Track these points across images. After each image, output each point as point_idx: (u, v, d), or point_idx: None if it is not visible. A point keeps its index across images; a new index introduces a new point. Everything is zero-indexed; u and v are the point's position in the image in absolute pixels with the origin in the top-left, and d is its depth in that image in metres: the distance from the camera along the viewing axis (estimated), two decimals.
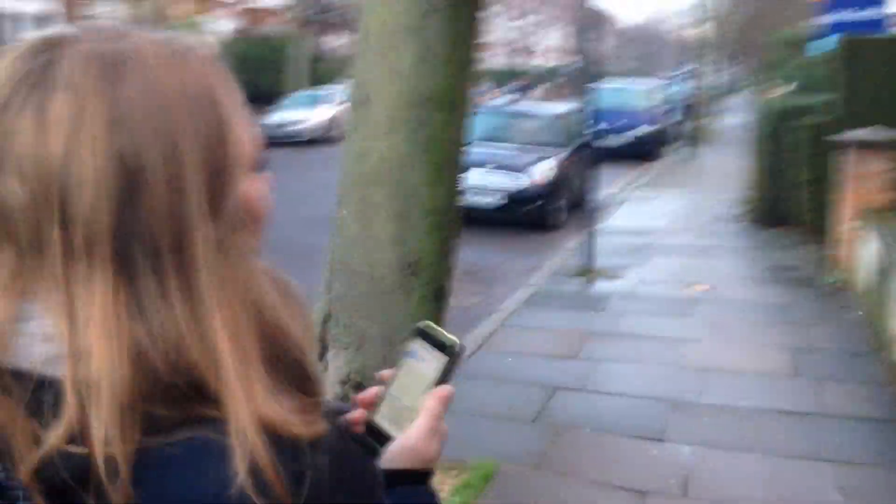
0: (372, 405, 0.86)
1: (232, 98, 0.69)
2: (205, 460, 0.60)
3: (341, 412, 0.84)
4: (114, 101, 0.61)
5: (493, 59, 65.27)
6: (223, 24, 31.44)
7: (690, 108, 20.57)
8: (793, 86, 12.92)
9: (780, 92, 15.63)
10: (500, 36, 67.67)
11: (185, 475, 0.60)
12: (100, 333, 0.60)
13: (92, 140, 0.60)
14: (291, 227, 9.10)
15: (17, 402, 0.60)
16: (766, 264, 8.13)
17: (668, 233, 9.94)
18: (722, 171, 16.57)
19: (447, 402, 0.84)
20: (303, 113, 22.16)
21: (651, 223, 10.60)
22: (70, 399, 0.59)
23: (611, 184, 14.71)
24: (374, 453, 0.83)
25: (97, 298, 0.61)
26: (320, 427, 0.67)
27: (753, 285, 7.39)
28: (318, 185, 12.92)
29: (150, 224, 0.62)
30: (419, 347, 0.85)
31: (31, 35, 0.65)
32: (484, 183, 10.24)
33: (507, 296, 7.18)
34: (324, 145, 21.39)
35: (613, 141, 19.14)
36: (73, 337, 0.60)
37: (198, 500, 0.59)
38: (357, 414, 0.86)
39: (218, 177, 0.65)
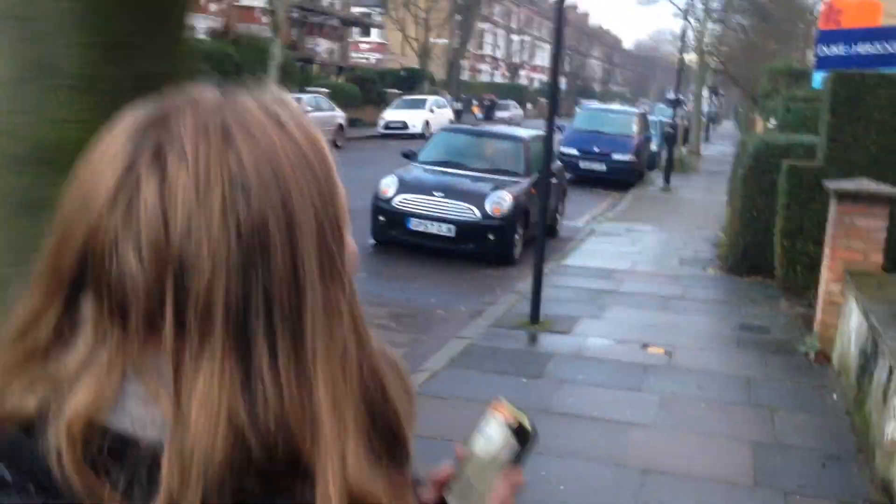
0: (445, 482, 0.84)
1: (331, 157, 0.68)
2: None
3: (416, 484, 0.81)
4: (232, 171, 0.61)
5: (485, 74, 64.75)
6: (196, 21, 30.45)
7: (672, 137, 19.81)
8: (772, 122, 12.14)
9: (762, 127, 14.90)
10: (491, 51, 67.15)
11: None
12: (202, 407, 0.59)
13: (214, 211, 0.60)
14: None
15: (116, 469, 0.59)
16: (734, 322, 7.24)
17: (631, 276, 9.05)
18: (698, 206, 15.78)
19: (516, 489, 0.83)
20: None
21: (615, 263, 9.71)
22: (168, 470, 0.58)
23: (579, 215, 13.90)
24: None
25: (204, 373, 0.60)
26: (412, 501, 0.70)
27: (717, 350, 6.50)
28: None
29: (267, 293, 0.61)
30: (493, 428, 0.83)
31: (133, 110, 0.65)
32: (433, 211, 9.32)
33: (435, 349, 6.25)
34: None
35: (587, 167, 18.36)
36: (177, 410, 0.59)
37: None
38: (429, 492, 0.84)
39: (329, 239, 0.65)
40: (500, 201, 9.39)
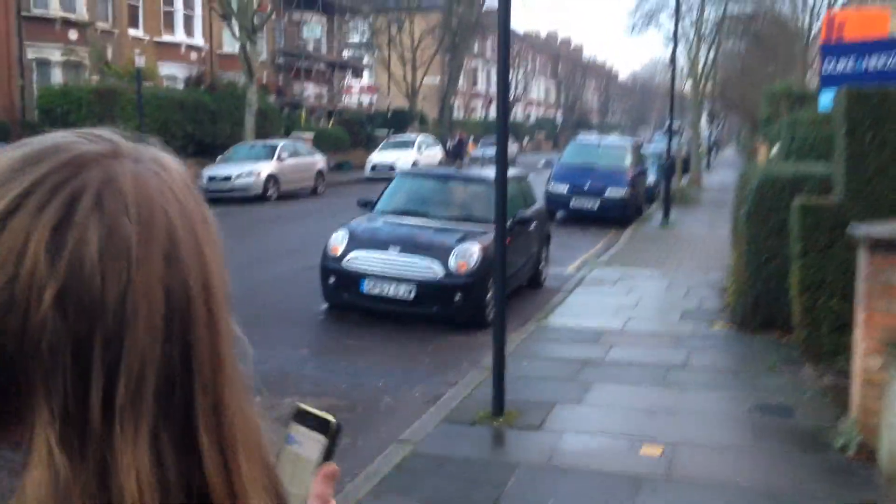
0: None
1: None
2: None
3: None
4: (170, 236, 0.59)
5: (480, 111, 63.91)
6: (177, 71, 29.53)
7: (670, 169, 18.55)
8: (775, 148, 10.85)
9: (765, 154, 13.59)
10: (484, 88, 66.37)
11: None
12: (138, 487, 0.56)
13: (154, 275, 0.57)
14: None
15: None
16: (749, 401, 5.85)
17: (623, 339, 7.68)
18: (701, 243, 14.43)
19: (333, 482, 0.81)
20: (247, 167, 19.96)
21: (605, 321, 8.35)
22: None
23: (570, 259, 12.57)
24: None
25: (135, 450, 0.56)
26: None
27: (729, 446, 5.09)
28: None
29: (190, 361, 0.59)
30: (298, 432, 0.82)
31: (49, 149, 0.61)
32: (389, 270, 8.01)
33: (369, 458, 4.88)
34: (257, 204, 19.18)
35: (579, 205, 17.09)
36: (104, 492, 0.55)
37: None
38: None
39: (228, 303, 0.64)
40: (467, 255, 8.07)
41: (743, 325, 7.76)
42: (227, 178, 19.61)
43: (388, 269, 7.98)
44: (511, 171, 10.36)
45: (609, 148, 18.68)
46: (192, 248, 0.61)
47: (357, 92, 50.98)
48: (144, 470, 0.56)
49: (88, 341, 0.55)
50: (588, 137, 21.89)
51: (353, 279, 8.09)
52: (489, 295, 8.27)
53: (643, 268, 11.52)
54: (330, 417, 0.83)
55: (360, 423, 5.65)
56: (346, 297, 8.22)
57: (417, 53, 39.95)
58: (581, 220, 17.12)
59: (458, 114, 57.17)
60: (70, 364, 0.55)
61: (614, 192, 16.93)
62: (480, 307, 8.10)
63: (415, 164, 27.96)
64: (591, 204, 17.03)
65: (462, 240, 8.25)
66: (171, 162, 0.65)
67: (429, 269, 7.96)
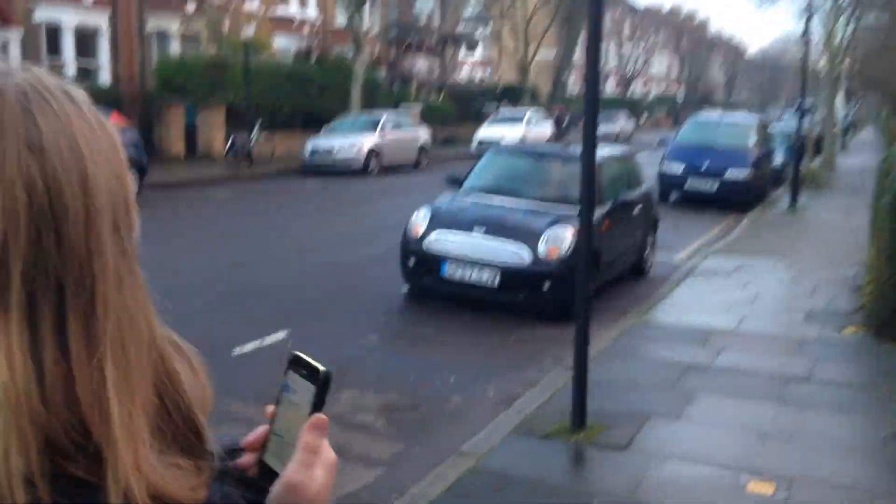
0: (260, 445, 0.82)
1: (119, 141, 0.69)
2: None
3: (232, 450, 0.81)
4: (32, 132, 0.62)
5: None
6: (289, 44, 29.61)
7: (800, 149, 16.94)
8: None
9: None
10: (603, 62, 64.24)
11: None
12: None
13: (12, 166, 0.60)
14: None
15: None
16: (884, 429, 4.83)
17: (735, 341, 6.69)
18: (833, 232, 12.99)
19: (321, 432, 0.78)
20: (349, 140, 19.63)
21: (716, 319, 7.36)
22: None
23: (681, 246, 11.50)
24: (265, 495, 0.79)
25: (9, 329, 0.59)
26: (203, 493, 0.66)
27: (858, 485, 4.14)
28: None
29: (60, 261, 0.61)
30: (293, 380, 0.82)
31: None
32: (473, 253, 7.29)
33: (421, 473, 4.21)
34: (358, 178, 18.81)
35: (695, 186, 15.83)
36: None
37: None
38: (246, 458, 0.82)
39: (123, 212, 0.66)
40: (559, 240, 7.24)
41: (880, 332, 6.63)
42: (329, 151, 19.33)
43: (471, 252, 7.26)
44: (615, 150, 9.44)
45: (731, 126, 17.21)
46: (66, 148, 0.62)
47: (469, 66, 50.31)
48: (12, 352, 0.58)
49: None
50: (709, 114, 20.36)
51: (433, 262, 7.42)
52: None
53: (764, 258, 10.33)
54: (320, 366, 0.81)
55: (419, 427, 4.99)
56: (426, 281, 7.57)
57: (531, 26, 38.73)
58: (697, 202, 15.84)
59: (573, 89, 55.59)
60: None
61: (735, 174, 15.55)
62: (572, 297, 7.26)
63: (523, 139, 27.09)
64: (709, 185, 15.71)
65: (554, 223, 7.42)
66: (56, 82, 0.67)
67: (515, 253, 7.19)
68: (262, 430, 0.82)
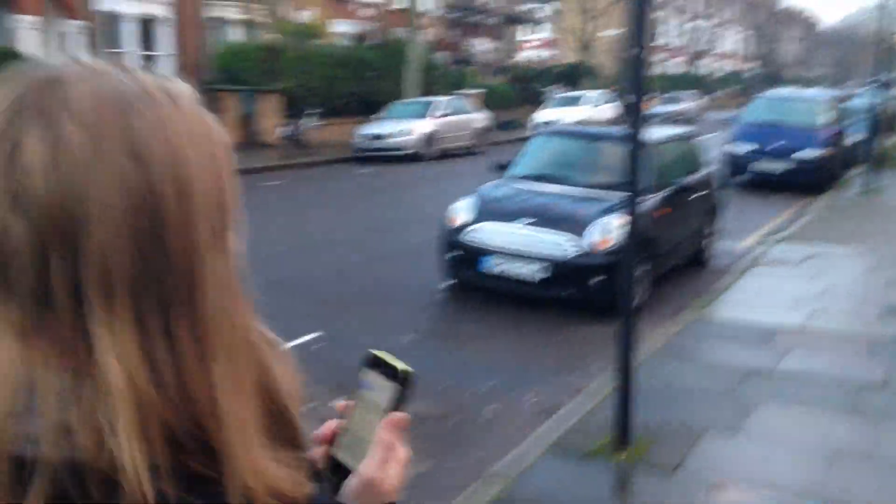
0: (332, 440, 0.83)
1: (224, 139, 0.69)
2: None
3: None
4: (130, 137, 0.61)
5: (663, 64, 60.28)
6: (348, 28, 29.39)
7: (876, 126, 15.89)
8: None
9: None
10: (671, 40, 62.53)
11: None
12: (113, 381, 0.58)
13: (111, 174, 0.59)
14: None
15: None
16: None
17: (804, 340, 6.11)
18: None
19: (400, 430, 0.81)
20: (401, 125, 19.31)
21: (782, 315, 6.76)
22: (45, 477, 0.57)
23: (747, 231, 10.83)
24: (336, 490, 0.80)
25: (108, 343, 0.59)
26: (308, 487, 0.68)
27: None
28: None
29: (166, 262, 0.61)
30: (371, 377, 0.83)
31: (25, 70, 0.64)
32: (517, 245, 6.85)
33: (446, 497, 3.83)
34: (412, 164, 18.47)
35: (764, 168, 14.99)
36: (80, 387, 0.59)
37: None
38: (319, 451, 0.83)
39: (221, 213, 0.66)
40: (609, 230, 6.74)
41: None
42: (379, 137, 19.05)
43: (514, 244, 6.82)
44: (672, 132, 8.83)
45: (802, 102, 16.24)
46: (164, 153, 0.61)
47: (531, 47, 49.44)
48: (127, 352, 0.58)
49: (47, 238, 0.58)
50: (778, 91, 19.28)
51: (474, 254, 7.01)
52: (637, 276, 6.93)
53: (837, 245, 9.59)
54: (400, 365, 0.82)
55: (448, 441, 4.60)
56: (466, 275, 7.17)
57: (594, 2, 37.71)
58: (765, 185, 15.01)
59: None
60: (31, 259, 0.58)
61: (807, 154, 14.65)
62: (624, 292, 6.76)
63: (583, 122, 26.37)
64: (779, 167, 14.85)
65: (605, 211, 6.91)
66: (154, 80, 0.66)
67: (561, 245, 6.72)
68: (333, 424, 0.83)
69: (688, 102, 39.15)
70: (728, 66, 72.33)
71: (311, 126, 20.17)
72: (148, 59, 21.49)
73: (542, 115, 27.04)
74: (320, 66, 22.30)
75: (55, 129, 0.59)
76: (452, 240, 7.18)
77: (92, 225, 0.58)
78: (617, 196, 7.12)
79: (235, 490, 0.60)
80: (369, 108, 22.56)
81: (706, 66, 66.54)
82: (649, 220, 7.11)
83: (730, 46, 74.02)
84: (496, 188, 7.63)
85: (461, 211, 7.25)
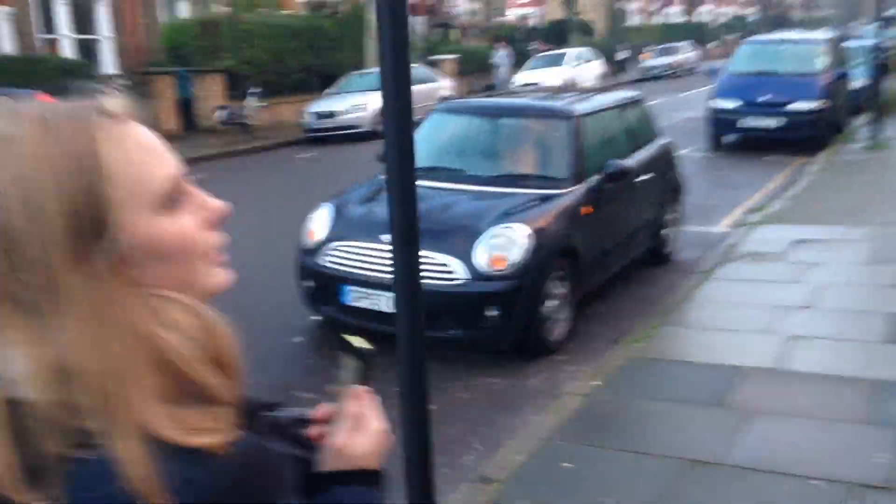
0: (327, 419, 0.94)
1: (116, 151, 0.76)
2: (101, 476, 0.68)
3: (302, 420, 0.96)
4: None
5: (660, 12, 57.53)
6: None
7: (882, 68, 13.84)
8: None
9: None
10: None
11: (88, 488, 0.69)
12: (23, 358, 0.71)
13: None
14: None
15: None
16: None
17: (772, 399, 4.26)
18: None
19: (363, 401, 0.94)
20: (354, 99, 17.40)
21: (745, 349, 4.92)
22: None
23: (727, 207, 9.00)
24: None
25: (9, 331, 0.72)
26: (219, 437, 0.73)
27: None
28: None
29: (26, 272, 0.71)
30: (344, 360, 0.95)
31: None
32: (379, 270, 5.02)
33: None
34: (365, 143, 16.58)
35: (752, 124, 13.05)
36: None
37: None
38: (315, 429, 0.95)
39: (85, 225, 0.72)
40: (507, 244, 4.90)
41: None
42: (330, 115, 17.13)
43: (375, 268, 4.99)
44: (611, 97, 6.93)
45: (795, 47, 14.16)
46: (17, 189, 0.72)
47: (520, 5, 47.02)
48: (15, 342, 0.72)
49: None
50: (767, 36, 17.10)
51: (331, 283, 5.19)
52: (552, 303, 5.11)
53: (832, 226, 7.69)
54: (357, 343, 0.94)
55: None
56: (325, 309, 5.35)
57: None
58: (756, 144, 13.06)
59: (634, 20, 51.56)
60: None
61: (802, 105, 12.64)
62: (532, 324, 4.95)
63: (566, 82, 24.30)
64: (770, 122, 12.86)
65: (503, 217, 5.07)
66: (34, 107, 0.76)
67: (442, 268, 4.88)
68: (327, 406, 0.95)
69: (685, 53, 36.80)
70: (731, 11, 69.32)
71: (255, 107, 18.25)
72: (83, 43, 19.57)
73: (521, 78, 24.99)
74: (269, 38, 20.34)
75: None
76: (306, 262, 5.37)
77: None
78: (524, 192, 5.31)
79: (121, 446, 0.68)
80: (327, 83, 20.61)
81: (708, 13, 63.70)
82: (566, 223, 5.27)
83: None
84: (362, 189, 5.77)
85: (318, 224, 5.43)
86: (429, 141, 6.24)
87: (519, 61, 30.03)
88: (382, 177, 5.88)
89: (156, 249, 0.76)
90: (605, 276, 5.87)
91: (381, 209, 5.35)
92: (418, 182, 5.37)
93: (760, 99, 12.94)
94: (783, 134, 12.77)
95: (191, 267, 0.80)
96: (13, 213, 0.70)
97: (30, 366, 0.70)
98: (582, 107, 6.00)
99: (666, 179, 6.99)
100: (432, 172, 5.77)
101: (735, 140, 13.47)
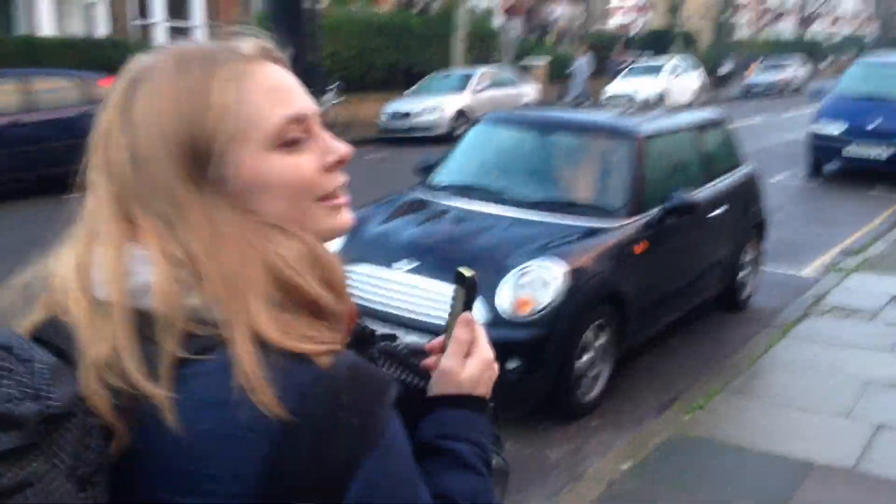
0: (441, 349, 0.97)
1: (231, 89, 0.81)
2: (215, 375, 0.73)
3: (419, 351, 1.00)
4: (125, 113, 0.81)
5: (771, 26, 55.02)
6: None
7: None
8: None
9: None
10: (784, 1, 57.06)
11: (204, 386, 0.73)
12: (151, 268, 0.77)
13: (117, 141, 0.81)
14: None
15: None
16: None
17: None
18: None
19: (470, 327, 0.96)
20: (431, 101, 16.83)
21: (822, 438, 4.04)
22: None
23: (822, 247, 7.98)
24: None
25: (149, 236, 0.79)
26: (326, 348, 0.75)
27: None
28: None
29: (151, 190, 0.79)
30: (454, 292, 0.97)
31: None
32: (389, 304, 4.34)
33: None
34: (441, 144, 15.96)
35: (858, 153, 11.82)
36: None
37: (211, 404, 0.72)
38: (431, 359, 0.99)
39: (193, 153, 0.79)
40: (536, 283, 4.15)
41: None
42: (406, 115, 16.59)
43: (388, 301, 4.32)
44: (690, 115, 6.08)
45: None
46: (147, 118, 0.82)
47: (622, 13, 45.68)
48: (153, 247, 0.78)
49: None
50: (882, 57, 15.61)
51: None
52: (588, 356, 4.34)
53: None
54: (465, 272, 0.96)
55: None
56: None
57: None
58: (861, 175, 11.81)
59: (742, 33, 49.37)
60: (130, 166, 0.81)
61: None
62: (562, 381, 4.19)
63: (661, 94, 23.16)
64: (879, 152, 11.58)
65: (538, 251, 4.32)
66: (171, 53, 0.85)
67: None
68: (442, 337, 0.98)
69: (794, 70, 34.82)
70: (846, 29, 65.83)
71: (332, 103, 17.87)
72: (177, 30, 19.68)
73: (613, 88, 23.96)
74: (354, 34, 19.97)
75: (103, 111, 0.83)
76: None
77: (115, 165, 0.81)
78: (565, 221, 4.56)
79: (236, 348, 0.73)
80: (412, 82, 20.10)
81: (821, 31, 60.63)
82: (613, 262, 4.48)
83: (850, 7, 67.31)
84: (383, 207, 5.09)
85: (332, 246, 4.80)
86: (469, 155, 5.55)
87: (601, 70, 28.75)
88: (411, 194, 5.25)
89: (265, 184, 0.80)
90: (657, 326, 5.03)
91: (397, 232, 4.69)
92: (449, 202, 4.69)
93: (869, 126, 11.67)
94: (893, 167, 11.49)
95: (305, 205, 0.83)
96: (140, 138, 0.79)
97: (156, 277, 0.75)
98: (649, 127, 5.17)
99: (747, 214, 6.08)
100: (467, 191, 5.08)
101: (837, 169, 12.24)
